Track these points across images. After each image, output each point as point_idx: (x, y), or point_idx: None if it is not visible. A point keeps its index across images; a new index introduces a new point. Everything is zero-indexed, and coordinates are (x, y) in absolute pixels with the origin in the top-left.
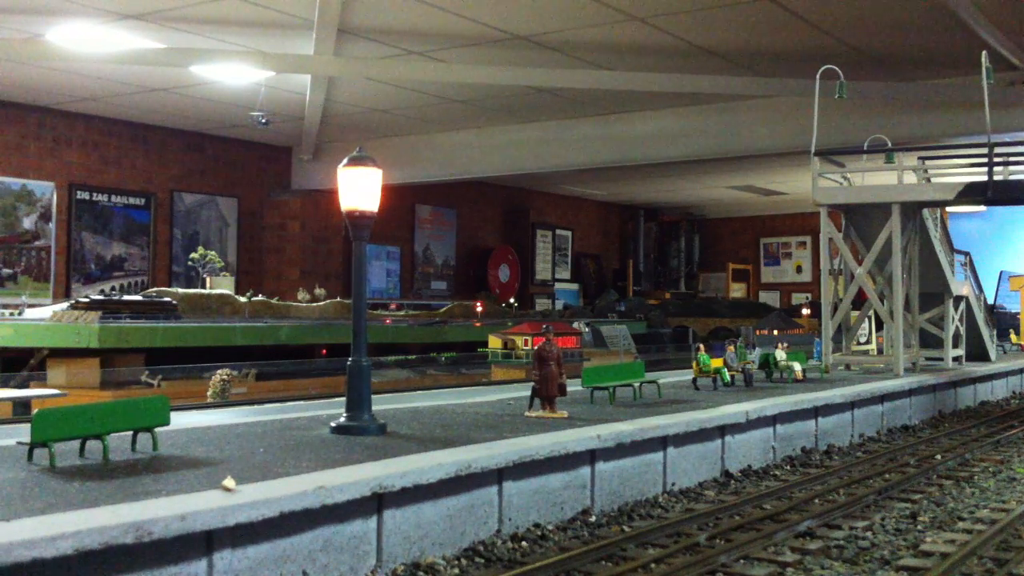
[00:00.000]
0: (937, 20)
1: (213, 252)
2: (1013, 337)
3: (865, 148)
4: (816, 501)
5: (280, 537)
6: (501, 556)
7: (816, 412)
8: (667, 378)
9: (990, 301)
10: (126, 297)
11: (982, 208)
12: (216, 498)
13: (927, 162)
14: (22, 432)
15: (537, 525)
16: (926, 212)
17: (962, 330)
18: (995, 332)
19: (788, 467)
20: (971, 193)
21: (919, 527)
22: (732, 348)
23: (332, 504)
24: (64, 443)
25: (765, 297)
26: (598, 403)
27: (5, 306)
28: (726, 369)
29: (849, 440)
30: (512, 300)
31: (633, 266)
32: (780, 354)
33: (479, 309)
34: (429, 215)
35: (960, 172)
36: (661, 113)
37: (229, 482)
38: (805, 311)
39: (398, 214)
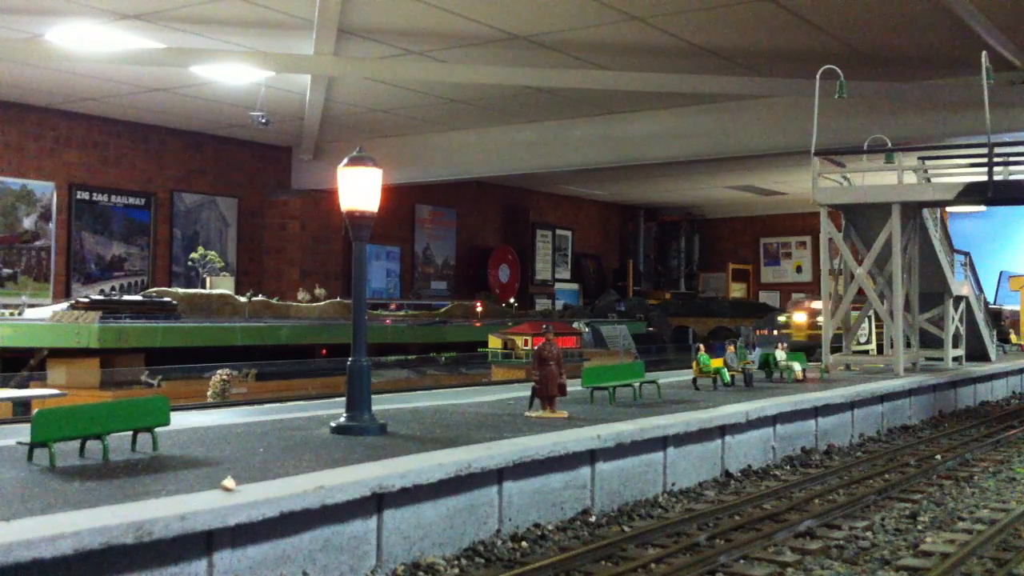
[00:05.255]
0: (937, 20)
1: (213, 252)
2: (1013, 337)
3: (865, 148)
4: (816, 501)
5: (280, 537)
6: (501, 556)
7: (816, 412)
8: (667, 378)
9: (990, 301)
10: (126, 297)
11: (982, 208)
12: (216, 498)
13: (927, 162)
14: (22, 432)
15: (537, 525)
16: (926, 212)
17: (962, 330)
18: (995, 332)
19: (788, 467)
20: (971, 193)
21: (919, 527)
22: (732, 348)
23: (332, 504)
24: (64, 443)
25: (765, 297)
26: (598, 403)
27: (5, 306)
28: (726, 369)
29: (849, 440)
30: (512, 300)
31: (633, 266)
32: (780, 354)
33: (479, 309)
34: (429, 215)
35: (960, 172)
36: (661, 113)
37: (229, 482)
38: None
39: (398, 214)
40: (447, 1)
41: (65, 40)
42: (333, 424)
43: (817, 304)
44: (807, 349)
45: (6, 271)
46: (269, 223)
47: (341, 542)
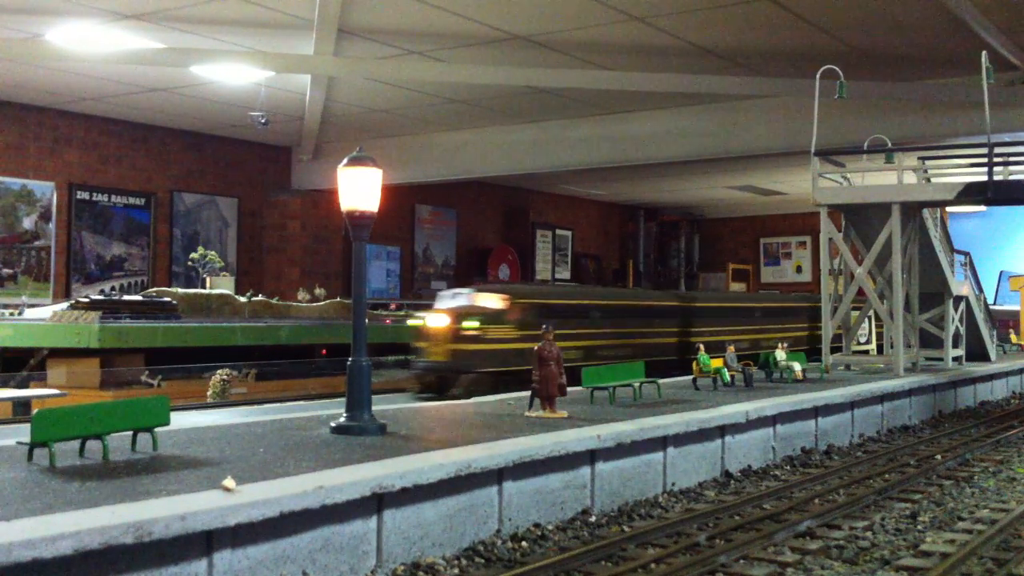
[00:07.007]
0: (937, 20)
1: (213, 252)
2: (1013, 337)
3: (865, 148)
4: (816, 501)
5: (280, 537)
6: (501, 556)
7: (816, 412)
8: (667, 378)
9: (990, 301)
10: (126, 297)
11: (982, 208)
12: (216, 498)
13: (927, 162)
14: (22, 432)
15: (537, 525)
16: (926, 212)
17: (962, 330)
18: (995, 332)
19: (788, 467)
20: (971, 193)
21: (919, 527)
22: (732, 348)
23: (332, 504)
24: (64, 443)
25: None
26: (598, 403)
27: (5, 306)
28: (726, 369)
29: (849, 440)
30: None
31: (633, 266)
32: (780, 354)
33: None
34: (429, 215)
35: (960, 172)
36: (661, 113)
37: (229, 482)
38: None
39: (398, 214)
40: (447, 1)
41: (65, 40)
42: (333, 424)
43: (486, 300)
44: (443, 383)
45: (6, 271)
46: (269, 223)
47: (341, 542)
